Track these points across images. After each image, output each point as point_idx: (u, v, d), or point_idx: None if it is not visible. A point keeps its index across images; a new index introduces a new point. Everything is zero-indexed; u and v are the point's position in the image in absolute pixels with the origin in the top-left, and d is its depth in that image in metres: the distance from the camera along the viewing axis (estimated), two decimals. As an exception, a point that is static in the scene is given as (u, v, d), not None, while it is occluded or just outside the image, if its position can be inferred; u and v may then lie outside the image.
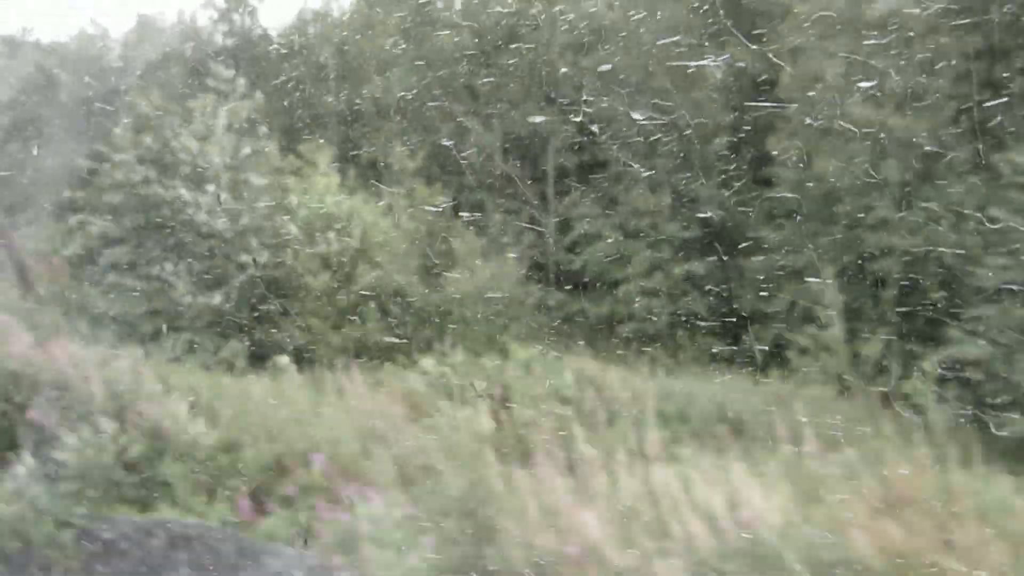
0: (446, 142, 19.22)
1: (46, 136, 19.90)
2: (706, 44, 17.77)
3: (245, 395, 9.66)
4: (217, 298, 14.20)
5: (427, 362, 9.78)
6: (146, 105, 16.03)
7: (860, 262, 14.70)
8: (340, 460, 8.24)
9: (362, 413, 9.40)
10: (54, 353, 9.32)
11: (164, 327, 14.43)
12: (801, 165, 16.04)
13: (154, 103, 16.14)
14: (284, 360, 10.40)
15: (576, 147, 20.04)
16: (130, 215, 15.50)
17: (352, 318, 14.77)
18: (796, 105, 15.91)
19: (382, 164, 17.39)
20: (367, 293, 14.80)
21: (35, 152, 19.91)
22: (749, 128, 17.13)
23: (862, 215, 14.60)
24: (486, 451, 7.66)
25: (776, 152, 16.48)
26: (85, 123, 20.40)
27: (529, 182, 20.38)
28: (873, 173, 14.63)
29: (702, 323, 17.60)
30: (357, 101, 19.71)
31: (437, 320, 14.94)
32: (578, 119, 19.41)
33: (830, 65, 14.85)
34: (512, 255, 16.23)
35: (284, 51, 23.33)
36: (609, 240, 18.23)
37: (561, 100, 20.01)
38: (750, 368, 15.84)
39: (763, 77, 16.77)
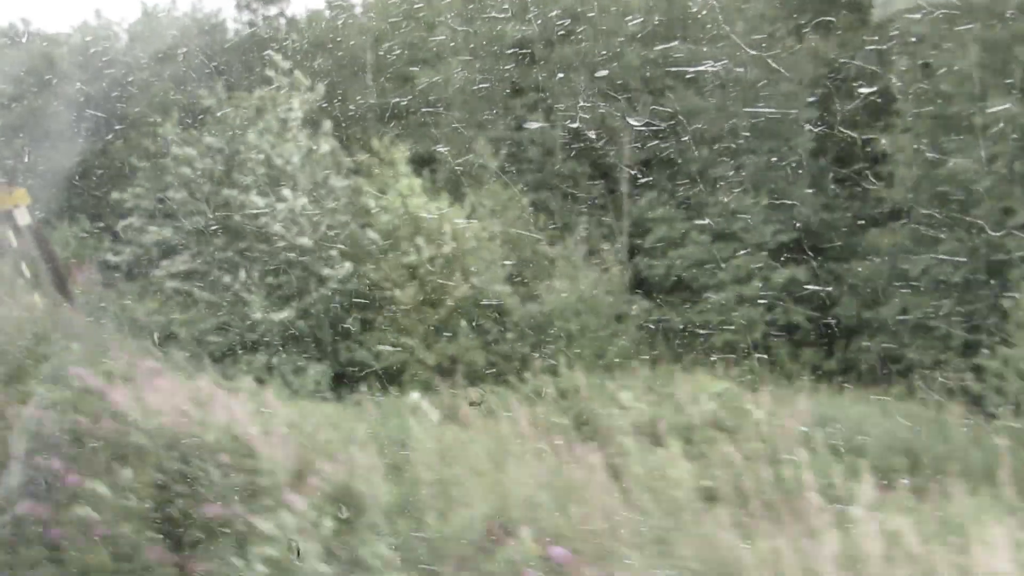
0: (507, 138, 17.77)
1: (57, 132, 18.09)
2: (804, 31, 16.55)
3: (399, 437, 8.19)
4: (293, 313, 12.62)
5: (625, 395, 8.32)
6: (209, 98, 14.37)
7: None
8: (543, 525, 6.82)
9: (540, 458, 7.98)
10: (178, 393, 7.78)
11: (235, 345, 12.85)
12: (917, 163, 14.85)
13: (218, 95, 14.49)
14: (416, 397, 8.92)
15: (648, 145, 18.66)
16: (191, 219, 13.85)
17: (446, 334, 13.28)
18: (910, 96, 14.73)
19: (456, 162, 15.87)
20: (459, 306, 13.34)
21: (50, 148, 18.10)
22: (852, 122, 15.91)
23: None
24: (710, 507, 6.33)
25: (887, 148, 15.28)
26: (103, 118, 18.63)
27: (596, 182, 18.99)
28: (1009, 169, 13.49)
29: (798, 334, 16.38)
30: (409, 96, 18.15)
31: (535, 334, 13.51)
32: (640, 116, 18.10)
33: (957, 55, 13.68)
34: (608, 262, 14.82)
35: (318, 42, 21.64)
36: (696, 244, 16.91)
37: (628, 94, 18.66)
38: (851, 382, 14.67)
39: (871, 69, 15.55)
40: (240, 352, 12.74)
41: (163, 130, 15.52)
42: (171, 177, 14.22)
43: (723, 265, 16.56)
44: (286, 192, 12.90)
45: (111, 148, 18.49)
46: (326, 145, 13.84)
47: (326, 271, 12.95)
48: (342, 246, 13.35)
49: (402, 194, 13.54)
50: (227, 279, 13.28)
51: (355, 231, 13.41)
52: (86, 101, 19.61)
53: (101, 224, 17.56)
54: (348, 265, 12.97)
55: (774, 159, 16.45)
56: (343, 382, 12.92)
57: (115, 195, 15.45)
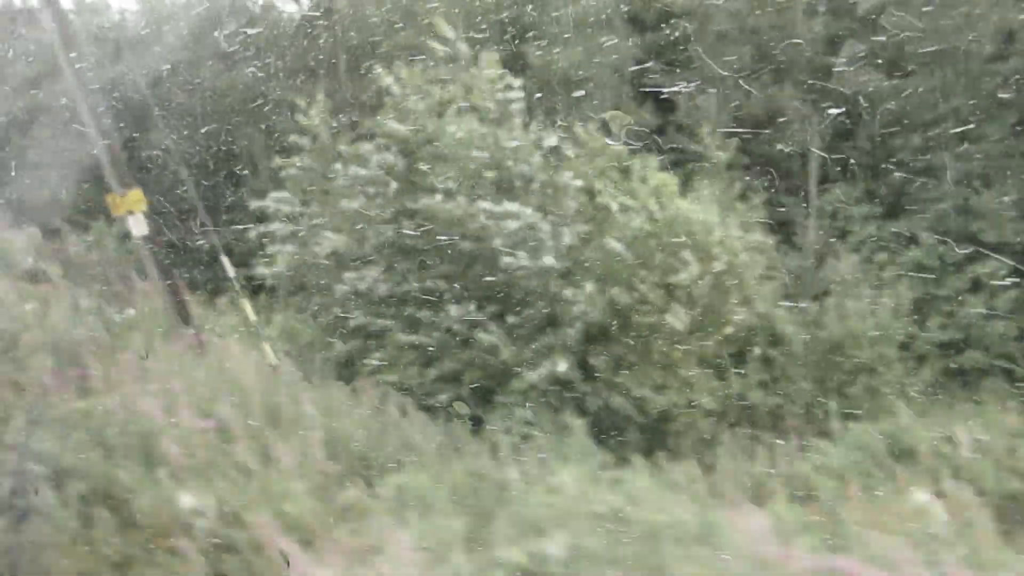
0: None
1: (155, 123, 14.64)
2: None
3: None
4: (566, 365, 9.74)
5: None
6: (392, 81, 11.30)
7: None
8: None
9: None
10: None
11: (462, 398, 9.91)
12: None
13: (407, 79, 11.41)
14: (923, 498, 6.27)
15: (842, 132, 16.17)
16: (375, 228, 10.80)
17: (735, 371, 10.60)
18: None
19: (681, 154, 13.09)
20: (737, 335, 10.67)
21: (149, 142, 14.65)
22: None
23: None
24: None
25: None
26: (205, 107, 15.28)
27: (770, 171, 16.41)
28: None
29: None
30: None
31: (821, 369, 10.94)
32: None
33: None
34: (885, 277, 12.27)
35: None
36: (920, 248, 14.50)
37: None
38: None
39: None
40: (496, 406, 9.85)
41: (307, 119, 12.40)
42: (342, 179, 11.18)
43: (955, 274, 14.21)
44: (511, 202, 9.97)
45: (214, 142, 15.23)
46: (553, 137, 10.92)
47: (569, 293, 10.12)
48: (586, 264, 10.54)
49: (657, 195, 10.75)
50: (425, 313, 10.34)
51: (598, 244, 10.58)
52: (178, 87, 16.19)
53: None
54: (589, 285, 10.14)
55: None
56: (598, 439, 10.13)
57: (255, 203, 12.28)
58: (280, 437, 5.51)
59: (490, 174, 10.15)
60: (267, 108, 17.23)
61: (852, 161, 16.04)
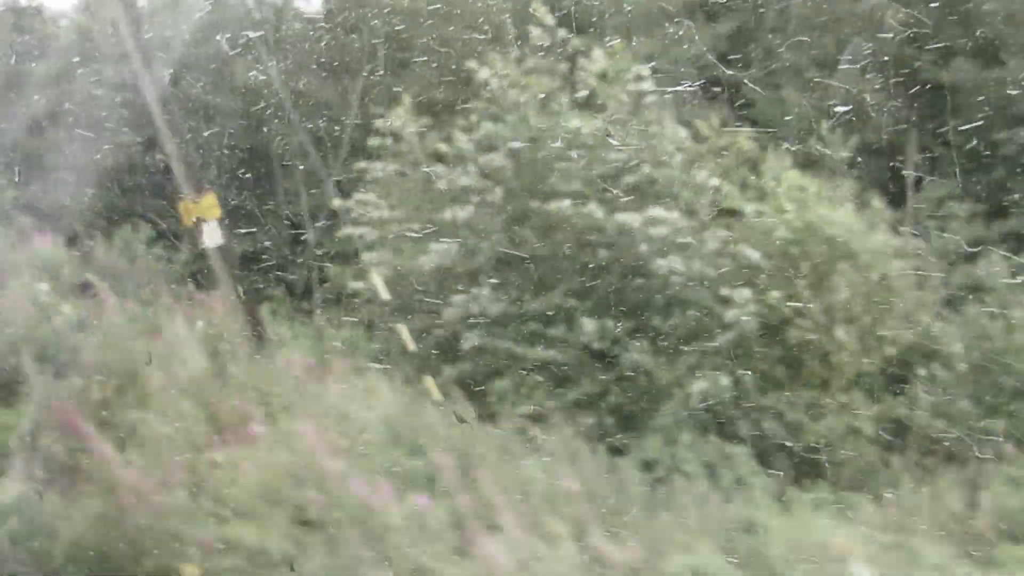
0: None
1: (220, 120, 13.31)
2: None
3: None
4: (728, 380, 8.61)
5: None
6: (490, 74, 10.13)
7: None
8: None
9: None
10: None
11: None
12: None
13: (493, 65, 10.25)
14: None
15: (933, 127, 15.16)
16: (489, 240, 9.60)
17: (876, 392, 9.54)
18: None
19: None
20: (900, 354, 9.61)
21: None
22: None
23: None
24: None
25: None
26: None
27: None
28: None
29: None
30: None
31: (986, 389, 9.89)
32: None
33: None
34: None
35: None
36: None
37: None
38: None
39: None
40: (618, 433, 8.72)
41: (391, 120, 11.20)
42: (443, 184, 10.01)
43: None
44: (657, 205, 8.85)
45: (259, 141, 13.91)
46: (681, 130, 9.80)
47: (721, 303, 9.02)
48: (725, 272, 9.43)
49: (800, 198, 9.66)
50: (556, 329, 9.19)
51: (739, 251, 9.46)
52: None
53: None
54: (747, 293, 9.03)
55: None
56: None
57: (337, 202, 11.10)
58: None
59: (630, 177, 9.00)
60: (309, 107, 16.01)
61: (946, 156, 15.07)
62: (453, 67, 13.21)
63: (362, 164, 11.61)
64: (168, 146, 9.71)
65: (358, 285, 10.47)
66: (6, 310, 7.08)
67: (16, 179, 14.22)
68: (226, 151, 11.89)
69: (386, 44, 17.92)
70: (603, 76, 9.59)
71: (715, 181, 9.75)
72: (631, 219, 8.78)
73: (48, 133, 16.27)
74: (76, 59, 16.82)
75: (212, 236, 9.90)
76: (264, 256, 12.52)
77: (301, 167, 14.28)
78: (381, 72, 16.92)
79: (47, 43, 19.74)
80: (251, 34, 16.43)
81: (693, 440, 8.59)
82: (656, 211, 8.65)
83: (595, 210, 8.89)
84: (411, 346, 8.66)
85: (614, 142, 9.03)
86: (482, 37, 14.28)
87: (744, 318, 8.87)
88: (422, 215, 10.26)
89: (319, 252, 12.47)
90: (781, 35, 16.03)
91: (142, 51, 9.28)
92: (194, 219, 9.84)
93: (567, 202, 8.92)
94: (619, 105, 9.43)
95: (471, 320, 9.26)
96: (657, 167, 9.14)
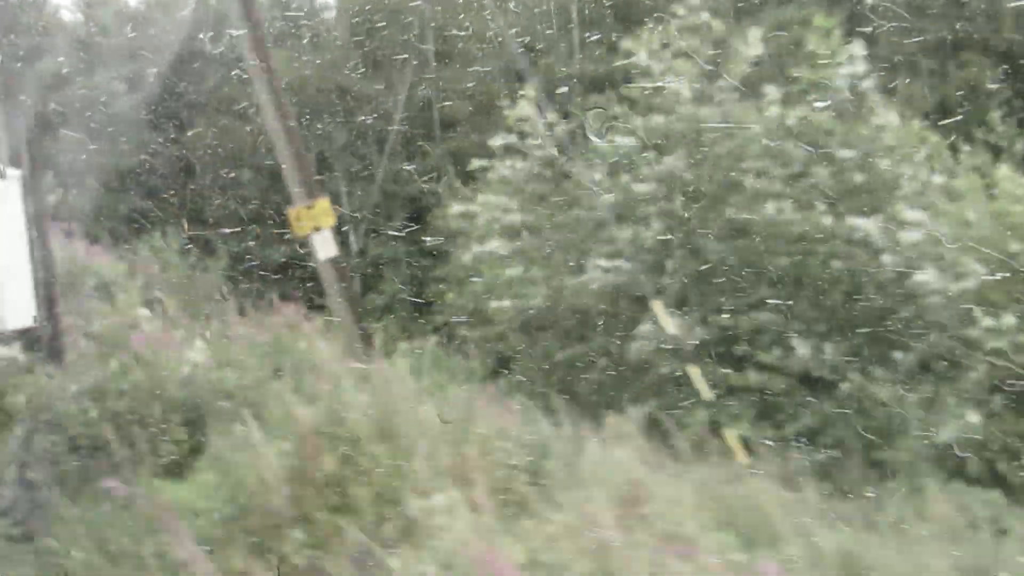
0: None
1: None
2: None
3: None
4: (978, 417, 6.96)
5: None
6: (648, 57, 8.48)
7: None
8: None
9: None
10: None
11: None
12: None
13: (651, 47, 8.61)
14: None
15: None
16: (675, 256, 7.90)
17: None
18: None
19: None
20: None
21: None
22: None
23: None
24: None
25: None
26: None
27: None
28: None
29: None
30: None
31: None
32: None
33: None
34: None
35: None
36: None
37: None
38: None
39: None
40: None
41: (516, 113, 9.51)
42: (612, 197, 8.34)
43: None
44: (906, 212, 7.20)
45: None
46: (895, 119, 8.16)
47: (982, 326, 7.37)
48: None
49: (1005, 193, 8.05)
50: (771, 353, 7.49)
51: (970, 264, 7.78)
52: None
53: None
54: (1011, 319, 7.38)
55: None
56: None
57: (456, 208, 9.42)
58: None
59: (859, 176, 7.34)
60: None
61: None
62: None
63: (481, 163, 9.93)
64: (279, 146, 8.08)
65: (497, 304, 8.76)
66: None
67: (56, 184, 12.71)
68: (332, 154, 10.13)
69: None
70: (812, 58, 7.93)
71: (939, 178, 8.11)
72: (867, 225, 7.10)
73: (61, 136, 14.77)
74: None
75: (325, 247, 8.33)
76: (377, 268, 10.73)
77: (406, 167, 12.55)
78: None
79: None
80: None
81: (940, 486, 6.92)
82: (909, 212, 6.97)
83: (821, 215, 7.22)
84: (707, 394, 6.90)
85: (840, 136, 7.35)
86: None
87: (1006, 347, 7.20)
88: (580, 230, 8.56)
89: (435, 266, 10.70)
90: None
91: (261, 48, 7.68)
92: (310, 228, 8.27)
93: (788, 204, 7.24)
94: (833, 92, 7.75)
95: (662, 347, 7.55)
96: (897, 164, 7.47)
